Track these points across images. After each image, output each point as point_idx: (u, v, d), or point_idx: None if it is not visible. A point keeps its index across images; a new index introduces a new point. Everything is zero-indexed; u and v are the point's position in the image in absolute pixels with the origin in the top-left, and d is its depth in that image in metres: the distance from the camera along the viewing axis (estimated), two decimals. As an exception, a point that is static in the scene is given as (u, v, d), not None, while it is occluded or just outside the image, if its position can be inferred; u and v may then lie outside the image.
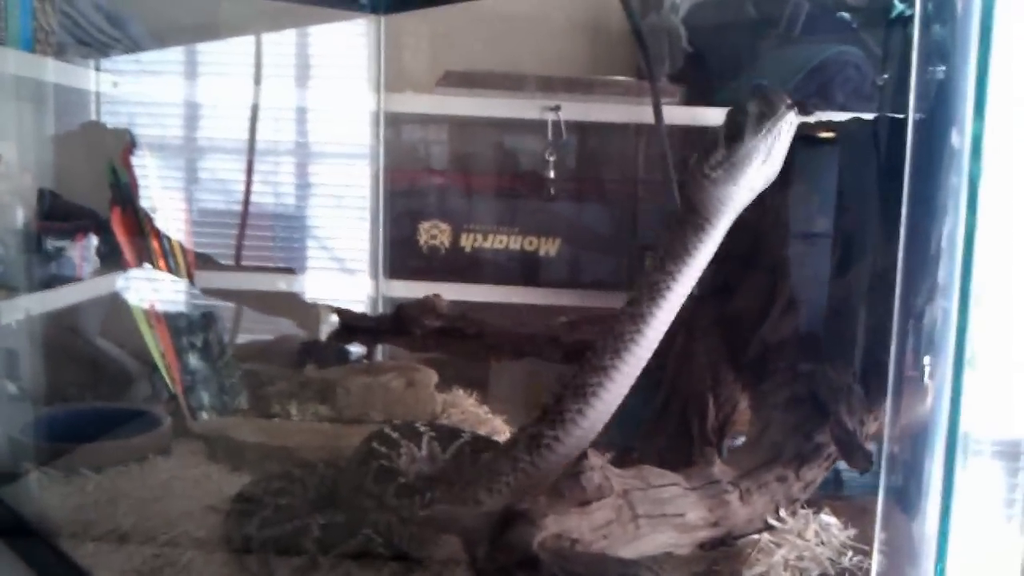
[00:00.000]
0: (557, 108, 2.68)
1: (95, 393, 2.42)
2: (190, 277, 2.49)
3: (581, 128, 2.81)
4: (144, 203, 2.39)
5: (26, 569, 1.64)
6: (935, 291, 0.96)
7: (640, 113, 2.46)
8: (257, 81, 2.91)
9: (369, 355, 2.59)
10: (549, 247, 2.80)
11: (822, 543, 1.46)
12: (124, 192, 2.42)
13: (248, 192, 2.97)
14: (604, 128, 2.86)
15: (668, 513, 1.28)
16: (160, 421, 2.11)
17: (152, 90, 2.95)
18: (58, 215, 2.59)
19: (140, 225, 2.39)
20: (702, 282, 1.40)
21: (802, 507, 1.49)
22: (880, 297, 1.40)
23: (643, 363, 1.35)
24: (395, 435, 1.81)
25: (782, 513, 1.44)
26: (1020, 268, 0.96)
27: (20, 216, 2.50)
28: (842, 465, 1.46)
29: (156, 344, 2.22)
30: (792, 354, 1.54)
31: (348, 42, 2.97)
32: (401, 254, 2.81)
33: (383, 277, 2.83)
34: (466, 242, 2.80)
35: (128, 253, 2.33)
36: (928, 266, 0.97)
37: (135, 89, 2.83)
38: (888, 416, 1.06)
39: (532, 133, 2.77)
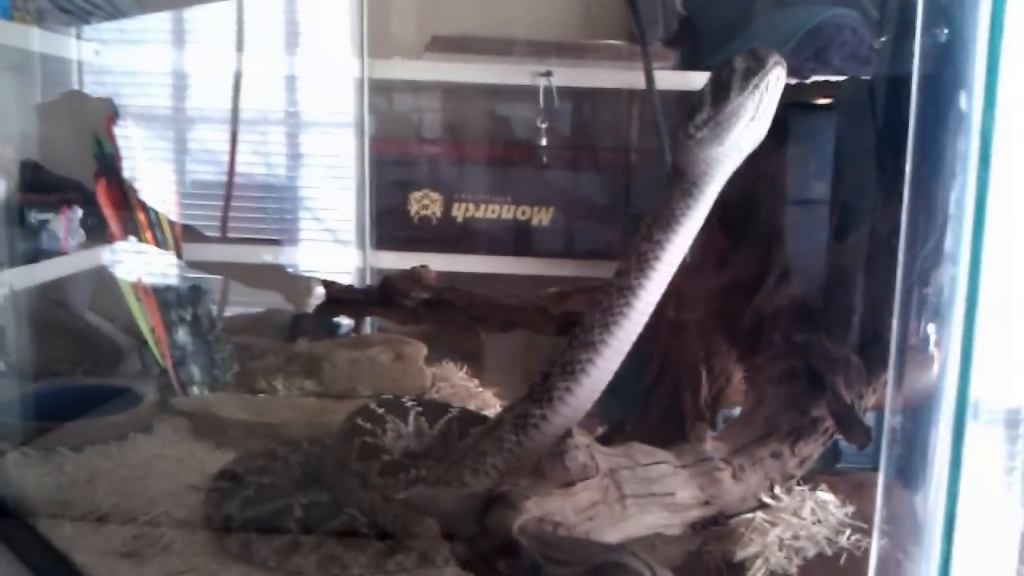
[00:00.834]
0: (549, 74, 2.62)
1: (85, 369, 2.40)
2: (178, 250, 2.45)
3: (574, 94, 2.75)
4: (128, 174, 2.34)
5: (3, 550, 1.60)
6: (941, 257, 0.91)
7: (633, 78, 2.42)
8: (240, 48, 2.85)
9: (357, 328, 2.56)
10: (542, 216, 2.75)
11: (819, 521, 1.43)
12: (109, 163, 2.38)
13: (232, 162, 2.92)
14: (597, 94, 2.81)
15: (657, 492, 1.24)
16: (141, 398, 2.07)
17: (134, 59, 2.90)
18: (41, 187, 2.56)
19: (126, 197, 2.35)
20: (694, 251, 1.35)
21: (798, 484, 1.46)
22: (880, 265, 1.36)
23: (634, 337, 1.30)
24: (380, 411, 1.78)
25: (777, 490, 1.41)
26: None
27: (2, 189, 2.46)
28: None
29: (145, 318, 2.19)
30: (788, 325, 1.50)
31: (332, 7, 2.91)
32: (390, 224, 2.76)
33: (370, 248, 2.78)
34: (458, 212, 2.75)
35: (114, 226, 2.29)
36: (934, 232, 0.92)
37: (117, 58, 2.78)
38: (890, 387, 1.02)
39: (524, 100, 2.71)
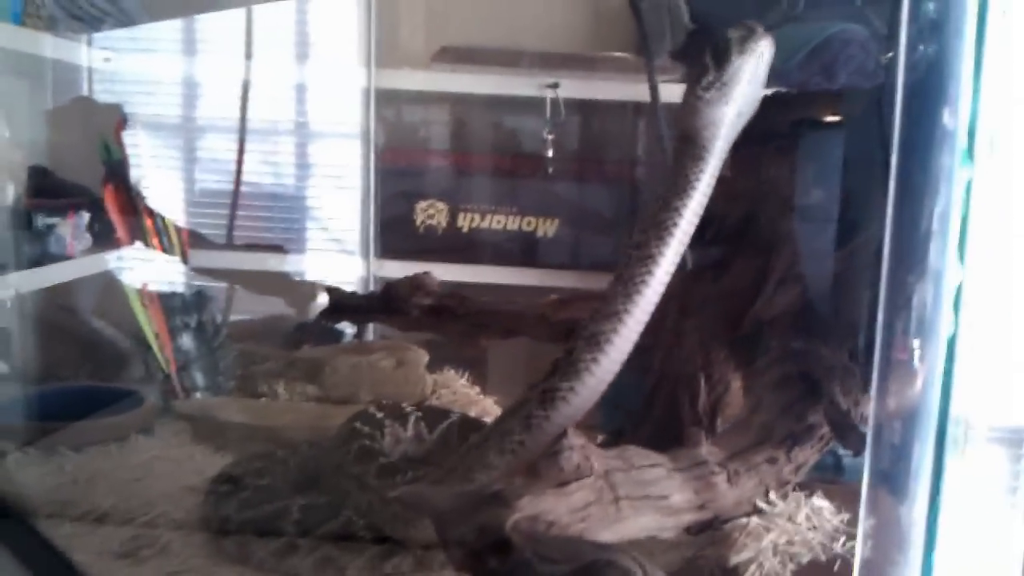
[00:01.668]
0: (555, 85, 2.63)
1: (89, 372, 2.40)
2: (184, 256, 2.46)
3: (580, 106, 2.76)
4: (136, 180, 2.36)
5: (2, 549, 1.61)
6: (925, 271, 0.92)
7: (641, 91, 2.41)
8: (248, 57, 2.86)
9: (359, 334, 2.56)
10: (547, 227, 2.75)
11: (814, 527, 1.42)
12: (117, 169, 2.40)
13: (240, 170, 2.93)
14: (604, 106, 2.81)
15: (652, 495, 1.24)
16: (142, 401, 2.07)
17: (144, 66, 2.92)
18: (49, 192, 2.58)
19: (133, 203, 2.37)
20: (694, 257, 1.36)
21: (793, 490, 1.46)
22: (876, 274, 1.36)
23: (652, 307, 1.29)
24: (379, 415, 1.78)
25: (772, 496, 1.41)
26: (1020, 253, 0.92)
27: (10, 193, 2.48)
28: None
29: (149, 323, 2.19)
30: (786, 332, 1.50)
31: (341, 16, 2.93)
32: (396, 234, 2.77)
33: (374, 257, 2.78)
34: (463, 222, 2.76)
35: (121, 231, 2.31)
36: (917, 245, 0.93)
37: (127, 64, 2.80)
38: (874, 399, 1.02)
39: (530, 111, 2.72)
